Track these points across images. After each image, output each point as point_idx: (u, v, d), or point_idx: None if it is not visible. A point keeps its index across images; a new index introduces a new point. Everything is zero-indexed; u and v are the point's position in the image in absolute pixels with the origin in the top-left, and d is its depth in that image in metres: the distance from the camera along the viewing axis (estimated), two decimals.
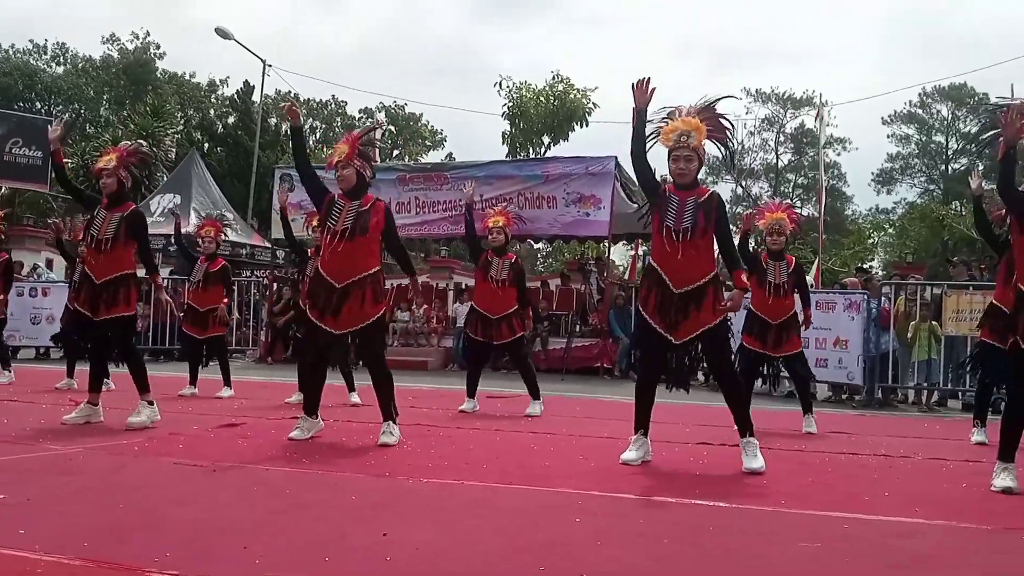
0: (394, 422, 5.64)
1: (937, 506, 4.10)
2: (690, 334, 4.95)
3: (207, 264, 8.89)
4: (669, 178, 5.11)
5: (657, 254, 5.13)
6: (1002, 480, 4.46)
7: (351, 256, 5.59)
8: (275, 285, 17.26)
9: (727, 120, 5.16)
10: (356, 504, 3.81)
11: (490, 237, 8.02)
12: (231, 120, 40.12)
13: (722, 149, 5.24)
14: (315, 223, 7.36)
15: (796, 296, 7.30)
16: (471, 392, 8.01)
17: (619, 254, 24.92)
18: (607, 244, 16.78)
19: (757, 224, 7.37)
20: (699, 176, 5.17)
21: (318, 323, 5.58)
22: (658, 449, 5.41)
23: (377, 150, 20.25)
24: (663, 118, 5.13)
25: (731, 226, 5.33)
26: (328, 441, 5.63)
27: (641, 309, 5.15)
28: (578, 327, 15.37)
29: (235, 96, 40.21)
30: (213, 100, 46.44)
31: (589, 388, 11.66)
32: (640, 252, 22.71)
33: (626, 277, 20.62)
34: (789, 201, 10.91)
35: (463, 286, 17.65)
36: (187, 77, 47.96)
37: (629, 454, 5.01)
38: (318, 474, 4.52)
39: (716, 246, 5.10)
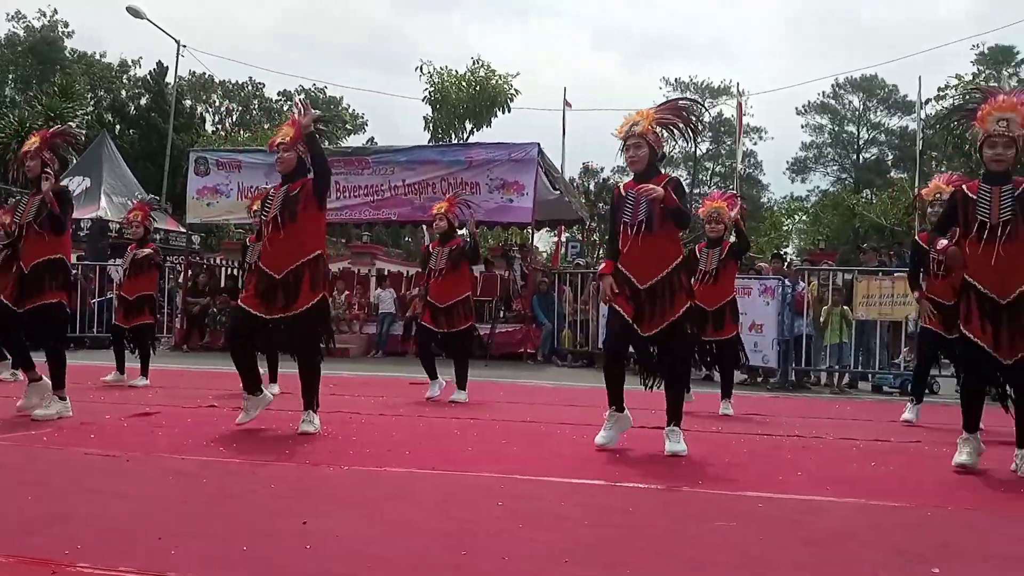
0: (315, 412, 5.56)
1: (847, 484, 4.23)
2: (656, 328, 4.96)
3: (135, 251, 8.65)
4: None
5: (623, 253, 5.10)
6: (958, 455, 4.59)
7: (285, 244, 5.46)
8: (190, 271, 16.86)
9: (687, 112, 5.16)
10: (275, 493, 3.74)
11: (433, 225, 8.00)
12: (144, 102, 38.87)
13: (676, 131, 5.19)
14: (255, 207, 7.17)
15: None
16: (432, 375, 7.96)
17: (542, 240, 25.02)
18: (531, 230, 16.84)
19: (699, 213, 7.52)
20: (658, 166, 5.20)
21: (246, 307, 5.44)
22: (578, 432, 5.46)
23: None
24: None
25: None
26: (246, 430, 5.52)
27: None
28: (502, 313, 15.40)
29: (148, 77, 38.97)
30: (125, 81, 44.95)
31: (513, 373, 11.70)
32: (563, 239, 22.90)
33: (549, 263, 20.75)
34: (733, 191, 11.14)
35: (385, 272, 17.51)
36: (97, 57, 46.33)
37: (601, 436, 5.05)
38: (235, 463, 4.43)
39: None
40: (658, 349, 5.06)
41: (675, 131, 5.19)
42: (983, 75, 35.92)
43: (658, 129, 5.09)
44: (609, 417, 5.09)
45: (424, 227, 17.62)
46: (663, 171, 5.29)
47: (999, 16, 67.36)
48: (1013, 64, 42.48)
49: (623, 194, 5.11)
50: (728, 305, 7.35)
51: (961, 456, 4.58)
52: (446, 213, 7.94)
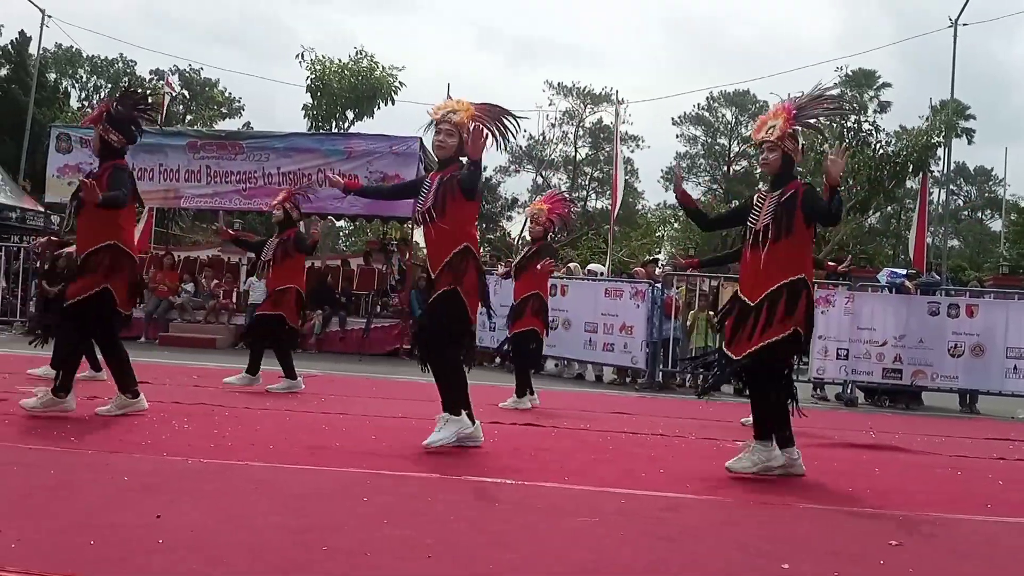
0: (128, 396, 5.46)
1: (706, 482, 4.39)
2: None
3: None
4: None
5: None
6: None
7: (81, 231, 5.39)
8: (48, 253, 15.94)
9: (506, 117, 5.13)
10: (127, 485, 3.58)
11: (273, 216, 8.01)
12: (3, 72, 36.55)
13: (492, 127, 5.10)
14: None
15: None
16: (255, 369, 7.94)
17: (422, 235, 24.79)
18: (411, 225, 16.71)
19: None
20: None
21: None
22: None
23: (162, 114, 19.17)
24: None
25: None
26: (100, 421, 5.26)
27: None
28: (378, 308, 15.24)
29: (9, 47, 36.66)
30: None
31: (388, 369, 11.59)
32: None
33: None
34: (563, 194, 11.37)
35: (257, 261, 17.02)
36: None
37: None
38: (87, 454, 4.23)
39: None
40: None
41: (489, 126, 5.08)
42: (847, 96, 37.90)
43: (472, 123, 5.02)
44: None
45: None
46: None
47: (860, 41, 71.31)
48: (875, 87, 45.02)
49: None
50: (525, 300, 7.62)
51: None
52: (283, 202, 7.94)
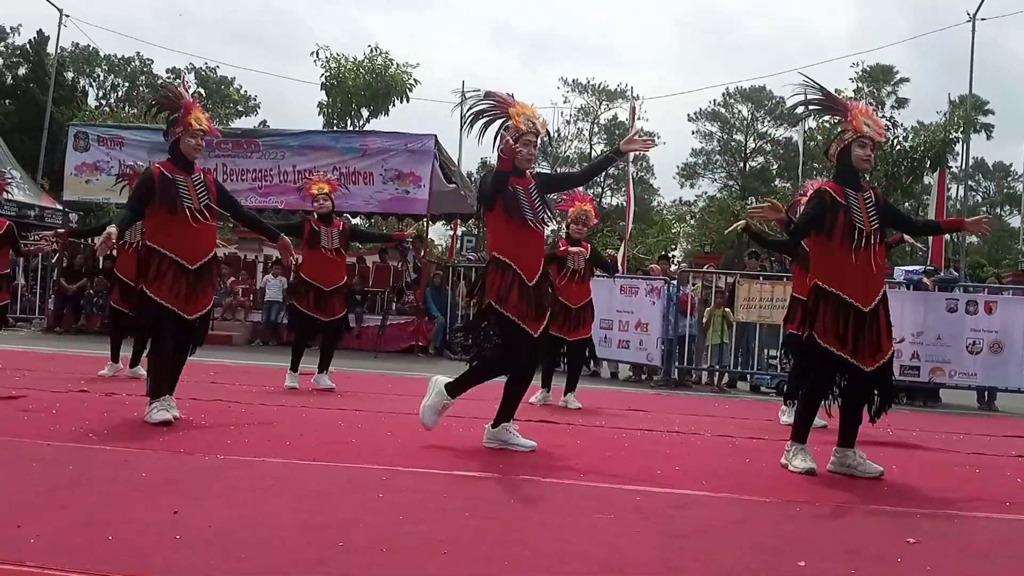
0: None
1: (722, 479, 4.37)
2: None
3: None
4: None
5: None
6: (802, 462, 4.68)
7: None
8: (66, 251, 16.08)
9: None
10: (146, 481, 3.61)
11: (316, 204, 7.81)
12: (22, 71, 36.83)
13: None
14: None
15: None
16: (295, 367, 7.78)
17: (437, 233, 24.85)
18: (426, 222, 16.74)
19: (568, 211, 7.59)
20: None
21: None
22: (466, 426, 5.46)
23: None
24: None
25: None
26: (119, 417, 5.31)
27: None
28: (394, 305, 15.27)
29: (27, 46, 36.94)
30: (2, 49, 42.43)
31: (404, 366, 11.62)
32: (459, 232, 22.88)
33: (444, 257, 20.68)
34: (591, 195, 11.36)
35: (273, 258, 17.09)
36: None
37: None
38: (105, 450, 4.26)
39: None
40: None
41: None
42: (864, 92, 37.74)
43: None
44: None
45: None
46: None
47: (877, 36, 70.81)
48: (892, 83, 44.74)
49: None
50: (588, 305, 7.59)
51: (807, 462, 4.68)
52: (330, 193, 7.88)
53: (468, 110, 5.13)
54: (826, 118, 26.09)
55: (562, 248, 7.32)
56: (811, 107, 5.19)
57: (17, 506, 3.07)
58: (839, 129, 4.90)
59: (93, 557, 2.53)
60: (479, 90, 5.10)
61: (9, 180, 9.79)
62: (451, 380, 4.98)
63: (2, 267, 8.23)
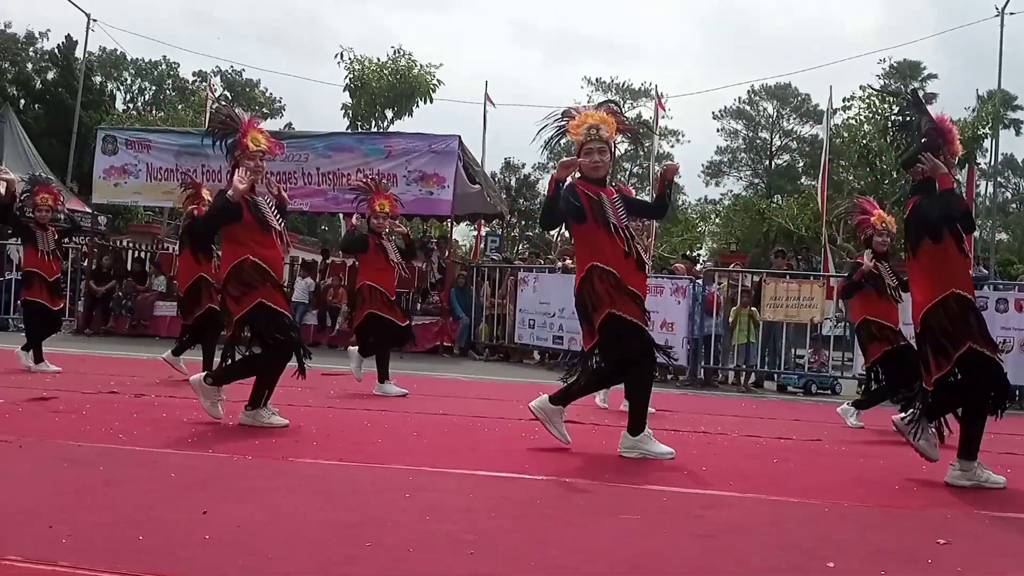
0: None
1: (749, 480, 4.35)
2: None
3: (46, 232, 8.38)
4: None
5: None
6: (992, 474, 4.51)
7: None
8: (95, 251, 16.29)
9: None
10: (175, 481, 3.65)
11: (375, 223, 7.91)
12: (51, 76, 37.31)
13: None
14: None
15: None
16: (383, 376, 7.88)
17: (461, 233, 24.85)
18: (450, 223, 16.77)
19: None
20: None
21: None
22: (490, 426, 5.47)
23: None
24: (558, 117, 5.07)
25: None
26: (149, 418, 5.36)
27: None
28: (419, 305, 15.32)
29: (56, 50, 37.41)
30: (31, 53, 43.00)
31: (429, 366, 11.65)
32: (483, 233, 22.89)
33: (469, 257, 20.69)
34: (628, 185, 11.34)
35: (300, 260, 17.20)
36: (2, 27, 44.18)
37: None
38: (135, 451, 4.30)
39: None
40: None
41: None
42: (890, 88, 37.34)
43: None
44: None
45: (342, 216, 17.33)
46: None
47: (903, 32, 70.10)
48: (920, 79, 44.25)
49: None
50: None
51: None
52: (389, 211, 8.00)
53: (540, 132, 5.14)
54: (852, 114, 26.05)
55: None
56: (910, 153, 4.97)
57: (49, 506, 3.10)
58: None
59: (124, 556, 2.56)
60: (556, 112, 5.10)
61: (58, 188, 9.94)
62: (555, 394, 4.99)
63: (56, 272, 8.43)
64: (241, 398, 5.39)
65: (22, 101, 35.29)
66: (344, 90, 26.37)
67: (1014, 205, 53.32)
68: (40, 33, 44.07)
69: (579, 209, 4.80)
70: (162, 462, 4.04)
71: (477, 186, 15.93)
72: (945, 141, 4.67)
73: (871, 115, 24.01)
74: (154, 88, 47.50)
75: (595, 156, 4.90)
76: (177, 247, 8.05)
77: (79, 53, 31.58)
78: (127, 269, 16.35)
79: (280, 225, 5.45)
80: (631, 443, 4.87)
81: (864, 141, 23.99)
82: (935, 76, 45.16)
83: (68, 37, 35.74)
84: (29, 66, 41.00)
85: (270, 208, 5.44)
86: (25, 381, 7.10)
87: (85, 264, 16.13)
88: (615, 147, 5.09)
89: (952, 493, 4.32)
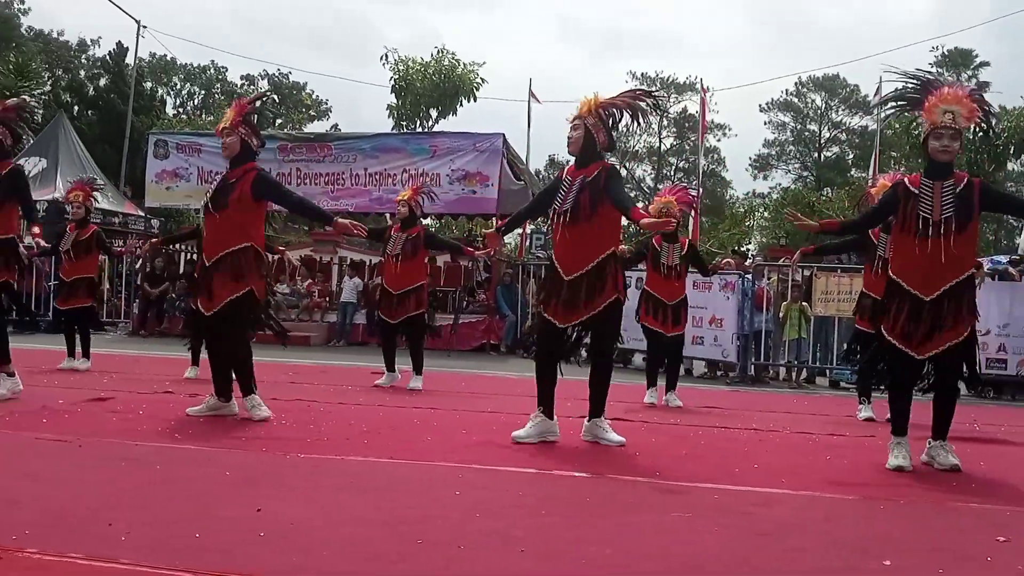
0: (255, 393, 5.46)
1: (801, 477, 4.29)
2: (578, 319, 5.00)
3: (76, 232, 8.40)
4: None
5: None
6: (893, 458, 4.53)
7: (217, 231, 5.40)
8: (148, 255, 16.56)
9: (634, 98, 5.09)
10: (230, 479, 3.70)
11: (397, 211, 8.09)
12: (103, 83, 38.10)
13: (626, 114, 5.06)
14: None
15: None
16: (390, 366, 8.08)
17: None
18: (495, 221, 16.79)
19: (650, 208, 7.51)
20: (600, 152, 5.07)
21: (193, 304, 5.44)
22: None
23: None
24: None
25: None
26: (203, 417, 5.45)
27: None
28: (465, 303, 15.37)
29: (107, 57, 38.18)
30: (83, 61, 44.01)
31: (476, 364, 11.69)
32: (528, 231, 22.87)
33: (515, 255, 20.71)
34: (684, 184, 11.23)
35: (348, 260, 17.37)
36: (55, 35, 45.32)
37: (521, 431, 4.93)
38: (190, 449, 4.38)
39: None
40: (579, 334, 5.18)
41: (618, 116, 5.05)
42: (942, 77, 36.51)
43: (601, 113, 4.99)
44: (532, 419, 5.01)
45: (388, 216, 17.47)
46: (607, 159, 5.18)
47: (955, 20, 68.47)
48: (972, 67, 43.27)
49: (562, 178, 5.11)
50: (684, 301, 7.48)
51: (897, 458, 4.52)
52: (408, 200, 7.98)
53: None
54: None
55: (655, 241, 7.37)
56: (890, 106, 5.03)
57: (108, 504, 3.17)
58: (919, 120, 4.73)
59: (181, 554, 2.60)
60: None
61: (99, 187, 10.11)
62: (590, 411, 5.12)
63: (89, 271, 8.52)
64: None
65: (76, 108, 36.07)
66: (390, 91, 26.58)
67: None
68: (92, 40, 45.18)
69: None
70: (216, 460, 4.11)
71: (522, 183, 15.95)
72: (925, 102, 4.53)
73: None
74: (203, 92, 48.35)
75: (570, 132, 5.03)
76: None
77: (130, 59, 32.23)
78: (180, 271, 16.65)
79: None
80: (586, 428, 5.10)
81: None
82: (988, 64, 44.19)
83: (119, 44, 36.43)
84: (82, 73, 41.95)
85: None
86: (82, 382, 7.26)
87: (139, 266, 16.45)
88: (597, 124, 4.96)
89: (1012, 490, 4.21)
